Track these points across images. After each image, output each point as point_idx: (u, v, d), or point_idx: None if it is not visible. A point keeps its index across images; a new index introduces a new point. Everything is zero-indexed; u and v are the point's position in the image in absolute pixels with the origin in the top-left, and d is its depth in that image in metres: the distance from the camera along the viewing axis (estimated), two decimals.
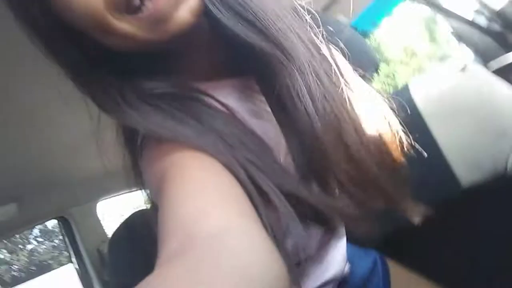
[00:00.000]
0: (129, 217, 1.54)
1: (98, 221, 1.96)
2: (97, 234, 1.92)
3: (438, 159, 0.94)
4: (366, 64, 0.90)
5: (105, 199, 2.06)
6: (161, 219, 0.38)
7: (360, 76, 0.63)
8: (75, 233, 1.86)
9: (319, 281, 0.66)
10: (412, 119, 0.80)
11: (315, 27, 0.58)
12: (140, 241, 1.39)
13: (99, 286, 1.84)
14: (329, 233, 0.66)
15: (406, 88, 1.02)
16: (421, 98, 0.97)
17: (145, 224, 1.37)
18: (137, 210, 1.59)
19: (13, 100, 1.03)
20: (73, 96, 1.09)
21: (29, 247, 7.76)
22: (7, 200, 1.48)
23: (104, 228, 1.97)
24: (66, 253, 1.96)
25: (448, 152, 0.93)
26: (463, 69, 0.96)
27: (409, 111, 0.65)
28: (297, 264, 0.59)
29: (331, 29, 0.86)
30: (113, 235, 1.52)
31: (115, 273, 1.50)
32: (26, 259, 7.59)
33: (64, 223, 1.88)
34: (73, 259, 1.91)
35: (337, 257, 0.69)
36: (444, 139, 0.93)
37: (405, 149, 0.61)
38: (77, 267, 1.91)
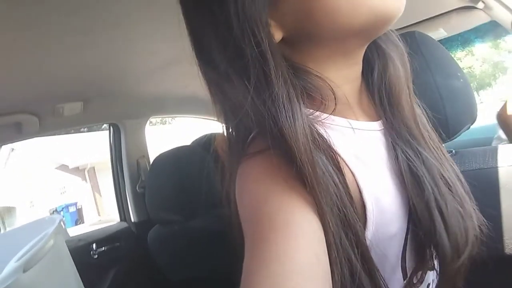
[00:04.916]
0: (179, 148, 1.65)
1: (143, 136, 2.11)
2: (140, 148, 2.08)
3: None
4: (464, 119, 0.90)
5: (156, 117, 2.21)
6: (250, 269, 0.42)
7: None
8: (122, 141, 2.03)
9: None
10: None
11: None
12: (178, 175, 1.53)
13: (130, 195, 2.03)
14: None
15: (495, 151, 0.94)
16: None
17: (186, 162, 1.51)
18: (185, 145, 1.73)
19: (98, 9, 1.06)
20: (158, 22, 1.21)
21: None
22: (76, 98, 1.63)
23: (146, 144, 2.13)
24: None
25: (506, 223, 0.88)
26: None
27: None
28: None
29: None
30: (159, 157, 1.64)
31: (149, 190, 1.65)
32: None
33: (115, 129, 2.05)
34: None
35: None
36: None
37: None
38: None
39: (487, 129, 2.12)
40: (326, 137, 0.51)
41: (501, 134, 1.71)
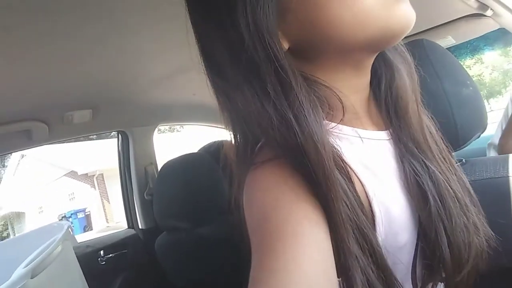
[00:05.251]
0: (187, 155, 1.66)
1: (152, 144, 2.12)
2: (148, 156, 2.09)
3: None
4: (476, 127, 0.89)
5: (164, 125, 2.23)
6: (257, 278, 0.42)
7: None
8: (130, 148, 2.04)
9: None
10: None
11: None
12: (186, 182, 1.53)
13: (138, 202, 2.04)
14: None
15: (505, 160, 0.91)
16: None
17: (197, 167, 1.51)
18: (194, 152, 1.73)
19: (110, 18, 1.08)
20: (166, 31, 1.22)
21: None
22: (85, 106, 1.65)
23: (155, 152, 2.14)
24: None
25: None
26: None
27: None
28: None
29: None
30: (167, 164, 1.65)
31: (157, 197, 1.66)
32: None
33: (123, 137, 2.06)
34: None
35: None
36: None
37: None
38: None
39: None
40: (336, 146, 0.51)
41: (495, 140, 1.68)
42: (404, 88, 0.61)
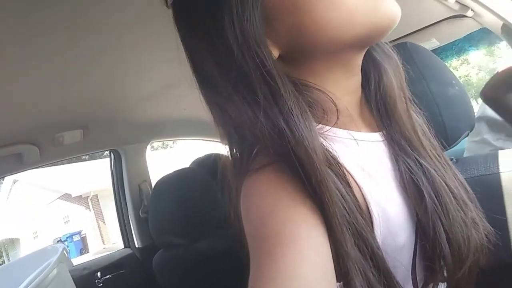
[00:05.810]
0: (181, 170, 1.65)
1: (144, 161, 2.11)
2: (141, 173, 2.08)
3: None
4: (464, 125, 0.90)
5: (157, 141, 2.23)
6: (256, 284, 0.42)
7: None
8: (123, 166, 2.03)
9: None
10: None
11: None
12: (181, 197, 1.52)
13: (134, 220, 2.02)
14: None
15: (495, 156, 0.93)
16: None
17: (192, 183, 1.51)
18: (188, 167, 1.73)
19: (97, 37, 1.09)
20: (155, 47, 1.23)
21: None
22: (75, 126, 1.64)
23: (148, 169, 2.13)
24: None
25: None
26: None
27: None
28: None
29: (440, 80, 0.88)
30: (161, 180, 1.64)
31: (152, 215, 1.65)
32: None
33: (116, 155, 2.06)
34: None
35: None
36: None
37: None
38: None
39: None
40: (331, 150, 0.51)
41: (487, 137, 1.67)
42: (391, 87, 0.62)
